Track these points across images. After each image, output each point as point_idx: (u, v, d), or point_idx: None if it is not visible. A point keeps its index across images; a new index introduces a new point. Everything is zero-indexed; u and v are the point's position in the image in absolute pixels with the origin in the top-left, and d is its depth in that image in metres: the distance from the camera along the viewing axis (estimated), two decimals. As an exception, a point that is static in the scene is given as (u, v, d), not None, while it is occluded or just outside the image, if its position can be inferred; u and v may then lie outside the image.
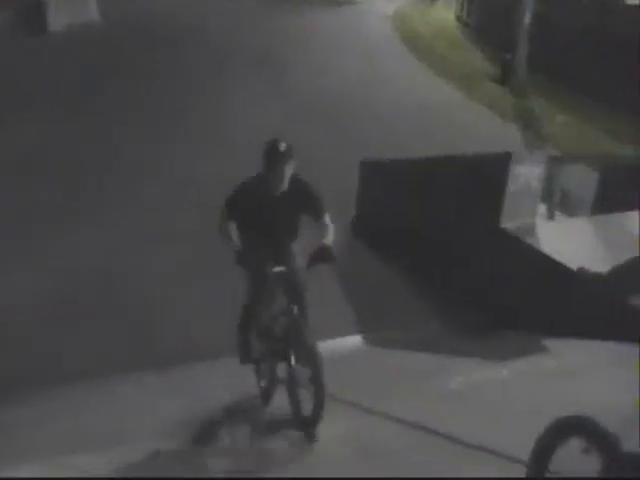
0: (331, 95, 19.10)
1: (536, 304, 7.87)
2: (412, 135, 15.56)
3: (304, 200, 5.52)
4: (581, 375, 6.26)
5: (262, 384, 5.86)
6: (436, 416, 5.50)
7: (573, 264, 7.60)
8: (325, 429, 5.12)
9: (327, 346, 7.87)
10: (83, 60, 21.15)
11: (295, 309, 5.46)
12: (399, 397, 6.06)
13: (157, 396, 6.54)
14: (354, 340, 8.22)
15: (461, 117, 18.13)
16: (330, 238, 5.41)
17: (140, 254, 10.25)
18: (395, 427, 5.42)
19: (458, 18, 32.47)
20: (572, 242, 8.42)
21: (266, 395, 5.81)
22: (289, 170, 5.35)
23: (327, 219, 5.54)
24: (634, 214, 9.16)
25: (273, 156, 5.31)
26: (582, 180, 10.91)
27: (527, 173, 8.66)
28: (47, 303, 8.78)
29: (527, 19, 21.31)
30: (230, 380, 6.25)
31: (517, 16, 21.45)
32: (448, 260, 9.32)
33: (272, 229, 5.60)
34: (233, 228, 5.46)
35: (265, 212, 5.48)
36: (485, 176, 9.04)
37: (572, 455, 3.02)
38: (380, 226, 10.90)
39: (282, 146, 5.33)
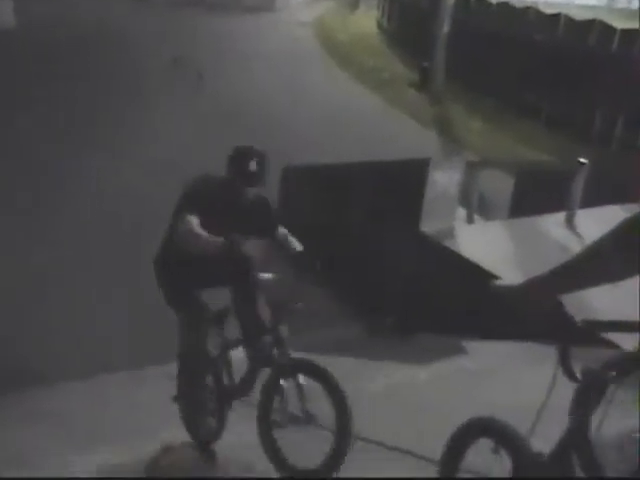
0: (250, 103, 19.03)
1: (456, 306, 7.96)
2: (332, 141, 15.62)
3: (262, 214, 4.96)
4: (499, 375, 6.36)
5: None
6: (355, 418, 5.50)
7: (491, 266, 7.74)
8: (238, 435, 5.06)
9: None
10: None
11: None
12: (317, 400, 6.05)
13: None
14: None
15: (380, 123, 18.30)
16: (298, 244, 5.05)
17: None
18: (312, 430, 5.41)
19: (379, 25, 32.85)
20: (490, 245, 8.58)
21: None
22: (261, 175, 4.70)
23: (285, 231, 5.15)
24: (548, 217, 9.40)
25: (244, 156, 4.68)
26: (499, 185, 11.13)
27: (445, 178, 8.79)
28: None
29: (445, 28, 21.67)
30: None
31: (435, 24, 21.79)
32: (369, 264, 9.36)
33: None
34: (194, 221, 4.48)
35: (221, 219, 4.56)
36: (404, 181, 9.14)
37: (484, 455, 3.06)
38: (300, 232, 10.87)
39: (254, 149, 4.75)
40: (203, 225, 4.50)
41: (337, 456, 4.27)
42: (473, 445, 3.16)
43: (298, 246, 5.06)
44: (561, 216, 9.54)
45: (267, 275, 4.95)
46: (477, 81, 20.97)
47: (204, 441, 5.04)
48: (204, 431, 5.05)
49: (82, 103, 17.75)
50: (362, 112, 19.45)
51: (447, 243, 8.45)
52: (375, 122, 18.49)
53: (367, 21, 34.11)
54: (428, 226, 8.58)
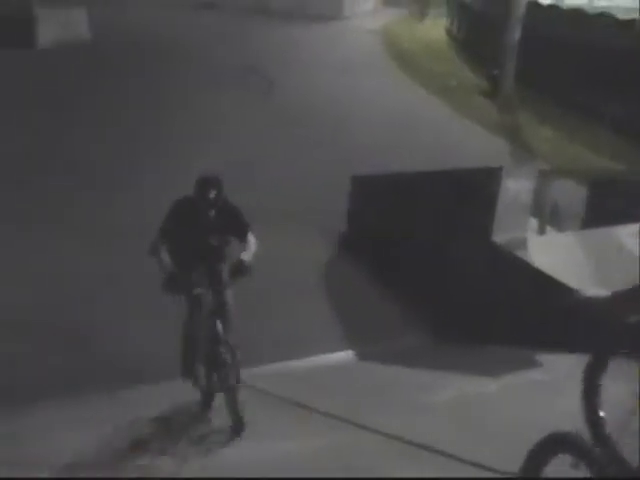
0: (319, 111, 19.13)
1: (526, 318, 7.84)
2: (399, 148, 15.58)
3: (231, 223, 6.14)
4: (571, 389, 6.22)
5: (201, 396, 6.33)
6: (423, 430, 5.46)
7: (563, 278, 7.59)
8: (308, 442, 5.08)
9: (316, 361, 7.91)
10: (71, 74, 21.21)
11: (219, 327, 5.97)
12: (387, 411, 6.03)
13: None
14: (343, 355, 8.20)
15: (449, 131, 18.18)
16: (249, 253, 6.10)
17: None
18: (380, 441, 5.39)
19: (448, 33, 32.68)
20: (562, 256, 8.41)
21: (205, 406, 6.31)
22: (218, 199, 5.98)
23: (250, 237, 6.19)
24: (623, 228, 9.17)
25: (204, 186, 5.97)
26: (572, 194, 10.94)
27: (517, 187, 8.66)
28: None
29: (516, 35, 21.44)
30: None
31: (506, 31, 21.57)
32: (439, 274, 9.29)
33: (202, 250, 6.13)
34: (164, 251, 6.01)
35: (196, 234, 6.05)
36: (476, 190, 9.04)
37: (563, 470, 2.99)
38: (370, 241, 10.86)
39: (211, 178, 6.06)
40: (177, 247, 6.04)
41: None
42: (552, 461, 3.09)
43: (246, 255, 6.09)
44: (636, 227, 9.31)
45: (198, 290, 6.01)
46: (547, 88, 20.66)
47: (204, 396, 6.28)
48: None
49: (156, 111, 18.07)
50: (430, 119, 19.37)
51: (519, 253, 8.32)
52: (443, 129, 18.39)
53: (435, 29, 33.94)
54: (500, 236, 8.46)
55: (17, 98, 18.34)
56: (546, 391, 6.33)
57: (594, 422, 3.69)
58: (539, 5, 24.66)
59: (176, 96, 19.60)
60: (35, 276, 9.50)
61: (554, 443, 3.12)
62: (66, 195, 12.40)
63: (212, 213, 6.02)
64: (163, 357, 6.92)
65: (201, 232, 6.04)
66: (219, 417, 6.04)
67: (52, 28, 25.02)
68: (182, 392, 6.30)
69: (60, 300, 8.89)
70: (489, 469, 4.57)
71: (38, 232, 10.78)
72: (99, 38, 26.29)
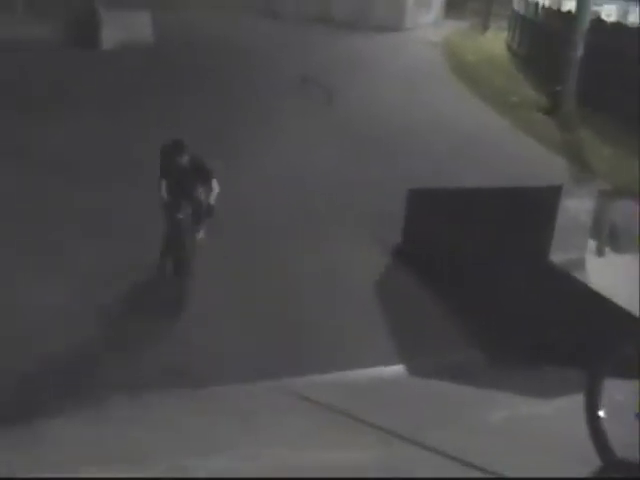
0: (378, 123, 19.12)
1: (583, 340, 7.73)
2: (460, 163, 15.52)
3: (199, 170, 8.57)
4: (627, 415, 6.13)
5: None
6: (474, 449, 5.40)
7: (622, 301, 7.47)
8: (355, 454, 5.06)
9: (368, 373, 7.90)
10: (132, 77, 21.51)
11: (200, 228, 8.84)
12: (438, 427, 5.98)
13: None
14: (396, 369, 8.18)
15: (508, 148, 18.04)
16: (213, 198, 8.58)
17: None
18: (429, 457, 5.34)
19: (509, 47, 32.48)
20: (621, 279, 8.28)
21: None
22: (185, 155, 8.56)
23: (214, 184, 8.63)
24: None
25: (174, 149, 8.58)
26: (632, 216, 10.76)
27: (576, 207, 8.56)
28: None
29: (579, 51, 21.21)
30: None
31: (569, 47, 21.34)
32: (495, 292, 9.21)
33: (183, 186, 8.64)
34: (164, 185, 8.79)
35: (177, 176, 8.63)
36: (534, 209, 8.95)
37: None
38: (426, 255, 10.80)
39: (178, 143, 8.64)
40: (169, 177, 8.76)
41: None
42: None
43: (212, 199, 8.62)
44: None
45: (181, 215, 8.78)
46: (610, 106, 20.39)
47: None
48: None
49: (217, 116, 18.24)
50: (489, 133, 19.25)
51: (576, 275, 8.22)
52: (502, 144, 18.26)
53: (496, 43, 33.80)
54: (557, 256, 8.36)
55: (80, 99, 18.70)
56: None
57: (597, 433, 3.67)
58: (603, 21, 24.40)
59: (238, 103, 19.76)
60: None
61: (611, 471, 3.08)
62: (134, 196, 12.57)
63: (184, 164, 8.54)
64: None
65: (178, 177, 8.58)
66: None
67: (116, 31, 25.40)
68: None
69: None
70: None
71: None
72: (162, 42, 26.64)
